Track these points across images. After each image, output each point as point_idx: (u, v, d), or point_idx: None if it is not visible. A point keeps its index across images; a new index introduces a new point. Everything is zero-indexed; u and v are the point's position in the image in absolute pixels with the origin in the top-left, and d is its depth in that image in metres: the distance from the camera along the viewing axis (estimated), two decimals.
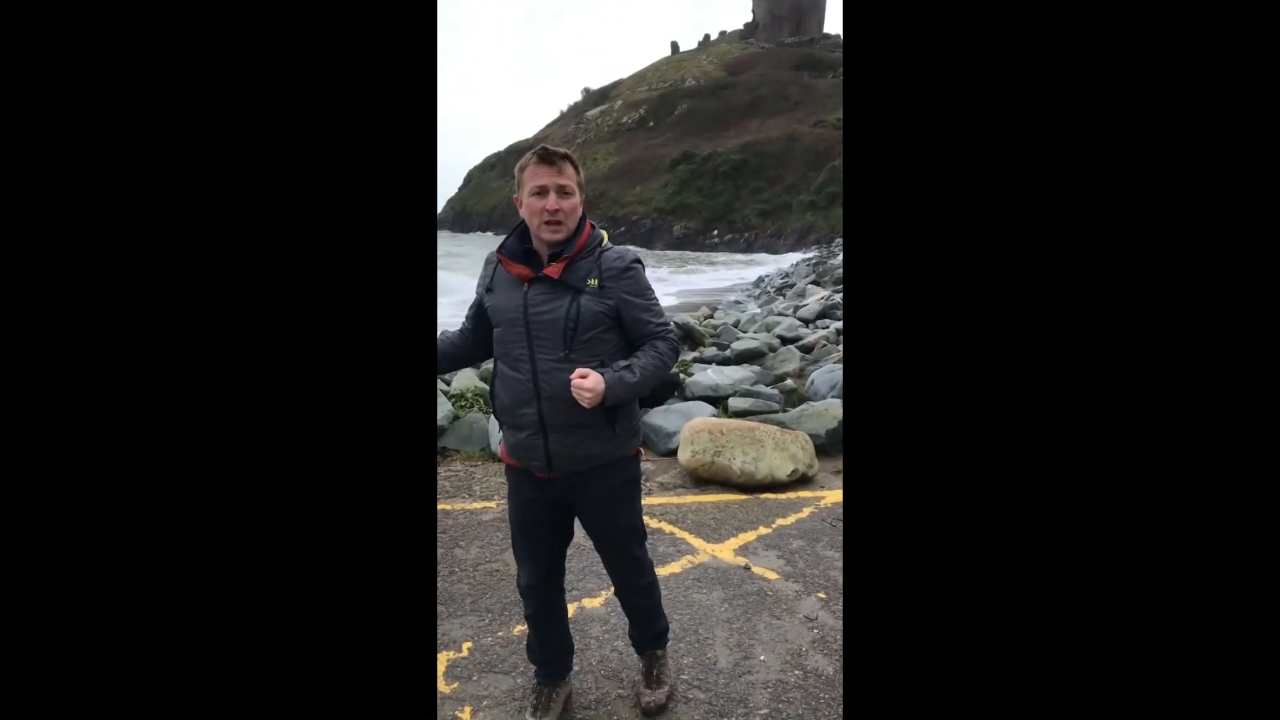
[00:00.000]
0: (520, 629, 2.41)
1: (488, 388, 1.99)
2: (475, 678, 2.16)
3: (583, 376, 1.54)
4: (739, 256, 39.35)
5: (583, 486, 1.76)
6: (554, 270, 1.62)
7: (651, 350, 1.66)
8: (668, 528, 3.29)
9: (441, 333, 1.74)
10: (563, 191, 1.60)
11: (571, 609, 2.41)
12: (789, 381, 5.52)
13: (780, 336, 7.41)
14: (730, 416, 4.61)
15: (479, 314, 1.80)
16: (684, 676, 2.17)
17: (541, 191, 1.59)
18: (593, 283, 1.62)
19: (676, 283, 24.30)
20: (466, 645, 2.33)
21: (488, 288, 1.72)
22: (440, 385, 5.00)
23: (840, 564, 2.93)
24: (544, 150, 1.60)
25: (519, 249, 1.69)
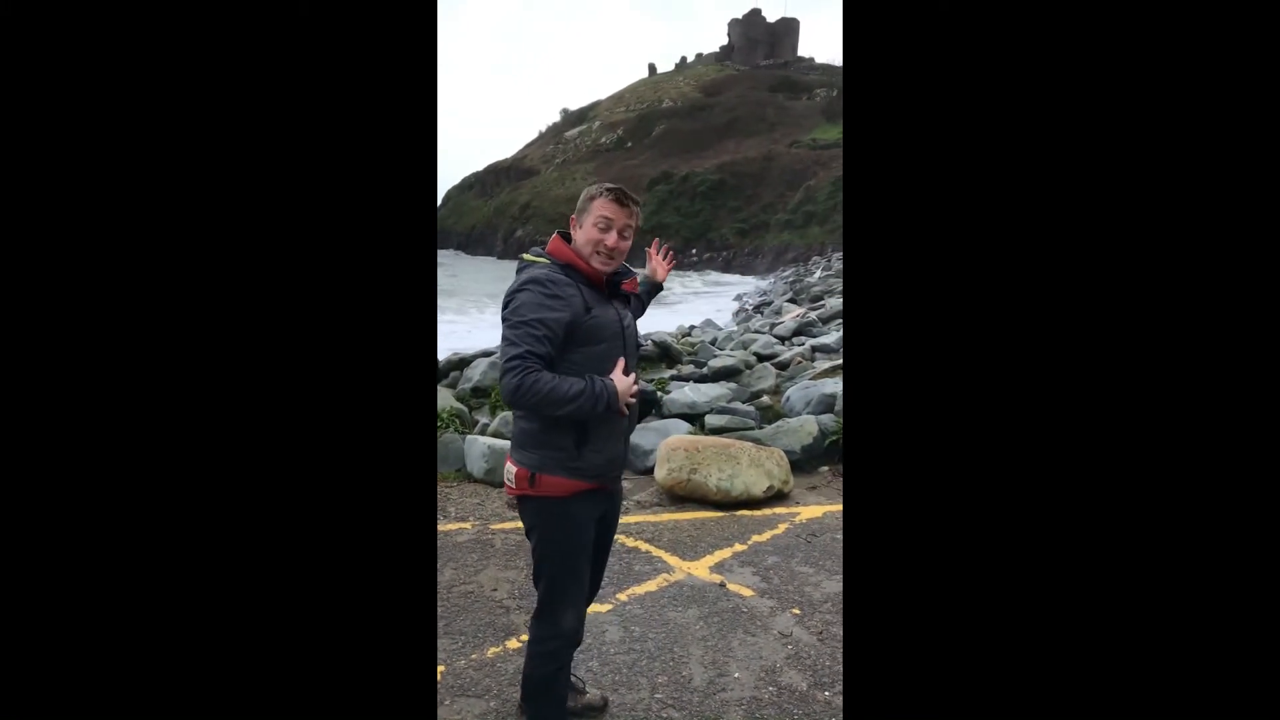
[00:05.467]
0: (494, 651, 2.39)
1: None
2: (448, 702, 2.13)
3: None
4: (715, 276, 39.77)
5: (618, 485, 1.88)
6: (633, 285, 1.80)
7: None
8: (644, 546, 3.29)
9: (550, 377, 1.57)
10: (624, 233, 1.69)
11: None
12: (765, 398, 5.56)
13: (756, 354, 7.47)
14: (707, 434, 4.63)
15: (561, 337, 1.61)
16: (658, 695, 2.17)
17: (606, 225, 1.66)
18: (634, 294, 1.86)
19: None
20: (440, 669, 2.30)
21: (585, 308, 1.64)
22: None
23: (814, 580, 2.95)
24: (621, 191, 1.70)
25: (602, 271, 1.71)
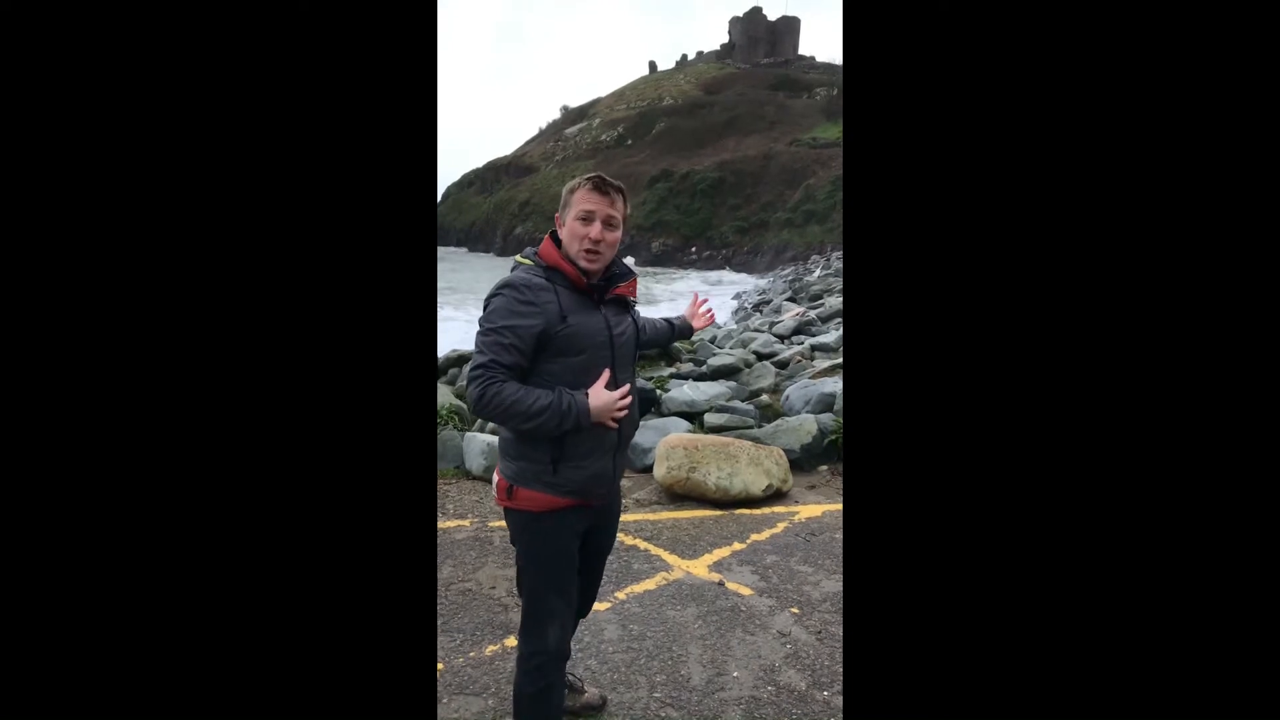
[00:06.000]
0: (493, 649, 2.39)
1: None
2: (446, 700, 2.13)
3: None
4: (711, 274, 39.78)
5: (613, 500, 1.79)
6: (629, 289, 1.65)
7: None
8: (643, 544, 3.29)
9: (514, 389, 1.48)
10: (609, 223, 1.56)
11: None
12: (764, 397, 5.56)
13: (756, 352, 7.47)
14: (706, 432, 4.62)
15: (532, 346, 1.51)
16: (656, 694, 2.17)
17: (588, 218, 1.54)
18: (632, 300, 1.71)
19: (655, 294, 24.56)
20: (438, 666, 2.30)
21: (561, 316, 1.52)
22: None
23: (813, 579, 2.95)
24: (599, 178, 1.56)
25: (586, 274, 1.58)
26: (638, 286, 1.72)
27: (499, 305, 1.51)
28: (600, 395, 1.52)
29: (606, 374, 1.54)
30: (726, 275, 37.99)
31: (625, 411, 1.57)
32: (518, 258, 1.63)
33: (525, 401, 1.46)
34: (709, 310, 2.12)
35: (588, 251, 1.55)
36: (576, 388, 1.53)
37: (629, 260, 1.86)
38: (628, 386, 1.58)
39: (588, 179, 1.57)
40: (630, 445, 1.75)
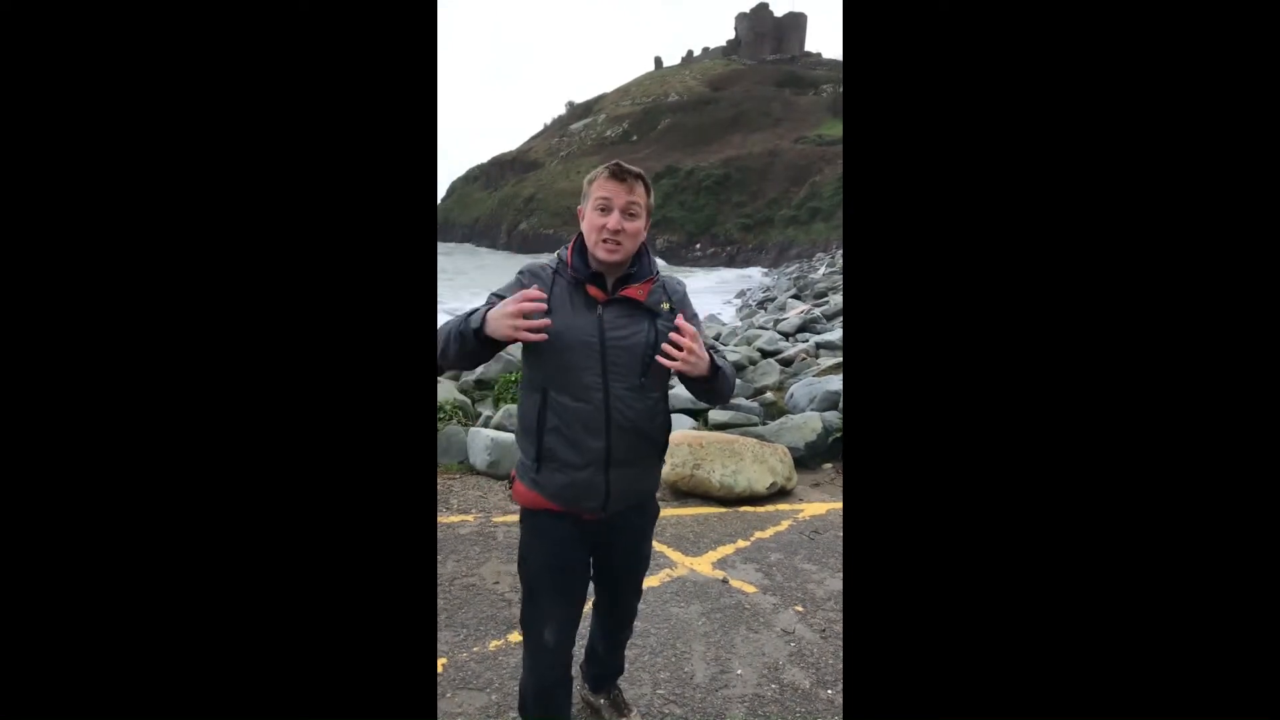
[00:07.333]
0: (496, 644, 2.39)
1: (516, 413, 1.63)
2: (449, 694, 2.13)
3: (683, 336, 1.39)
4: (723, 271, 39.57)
5: (622, 523, 1.65)
6: (638, 292, 1.52)
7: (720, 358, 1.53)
8: None
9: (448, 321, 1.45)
10: (628, 212, 1.48)
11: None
12: (769, 394, 5.55)
13: (760, 350, 7.46)
14: (710, 429, 4.62)
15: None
16: (660, 691, 2.16)
17: (605, 207, 1.47)
18: (665, 306, 1.55)
19: None
20: (441, 661, 2.30)
21: (545, 311, 1.43)
22: None
23: (817, 577, 2.94)
24: (617, 165, 1.49)
25: (585, 268, 1.53)
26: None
27: (509, 283, 1.54)
28: (503, 304, 1.36)
29: (536, 290, 1.37)
30: (730, 273, 37.61)
31: (532, 328, 1.32)
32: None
33: (444, 326, 1.41)
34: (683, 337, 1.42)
35: (605, 242, 1.47)
36: (561, 391, 1.48)
37: (658, 261, 1.74)
38: (535, 293, 1.34)
39: (606, 167, 1.51)
40: (646, 461, 1.62)
